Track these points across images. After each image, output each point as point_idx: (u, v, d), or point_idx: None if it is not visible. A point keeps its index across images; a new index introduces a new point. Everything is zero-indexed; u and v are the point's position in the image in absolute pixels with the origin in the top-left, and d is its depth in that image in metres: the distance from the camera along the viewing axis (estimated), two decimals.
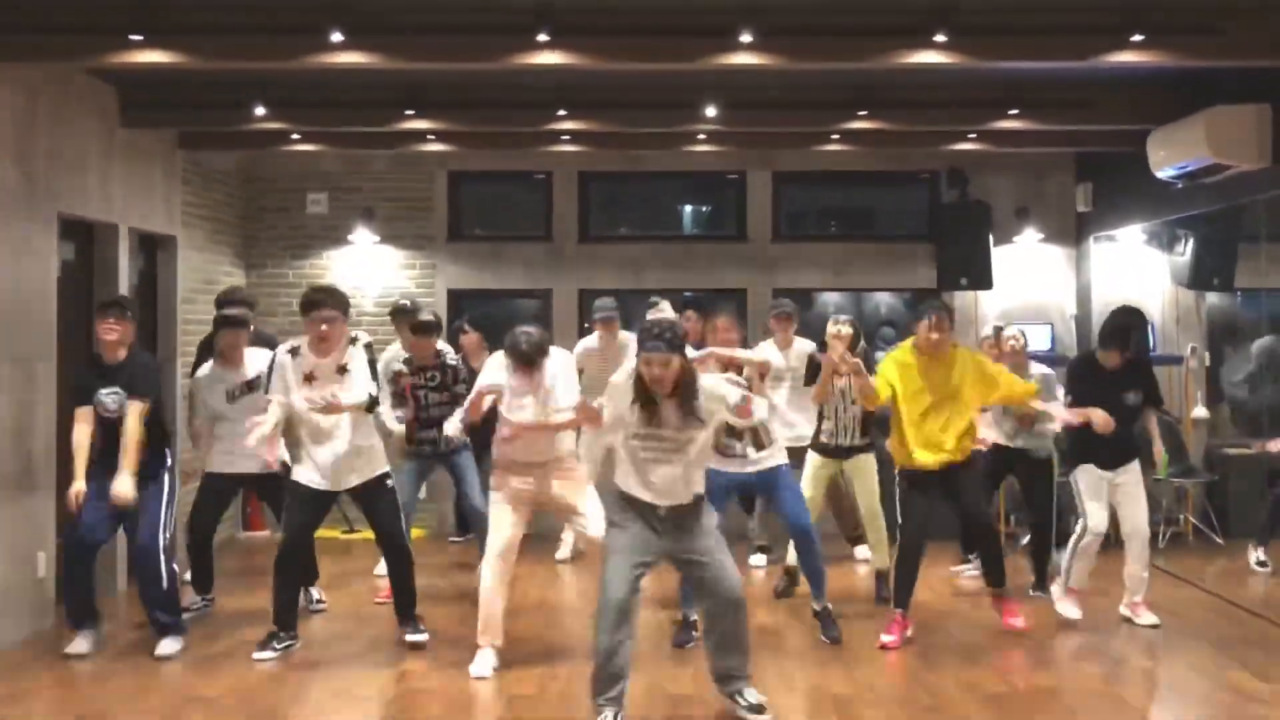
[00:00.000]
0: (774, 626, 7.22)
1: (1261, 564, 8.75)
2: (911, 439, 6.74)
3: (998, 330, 8.51)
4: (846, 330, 7.45)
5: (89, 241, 8.11)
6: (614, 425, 5.31)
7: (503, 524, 6.30)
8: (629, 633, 5.19)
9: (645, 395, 5.21)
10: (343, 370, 6.50)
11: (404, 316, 8.11)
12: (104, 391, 6.55)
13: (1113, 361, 7.19)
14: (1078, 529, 7.28)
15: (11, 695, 5.93)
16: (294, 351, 6.52)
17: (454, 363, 7.89)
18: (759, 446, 6.95)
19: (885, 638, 6.76)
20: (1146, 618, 7.23)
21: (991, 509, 9.07)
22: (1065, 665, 6.63)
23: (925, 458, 6.71)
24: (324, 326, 6.43)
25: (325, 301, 6.52)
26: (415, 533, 9.28)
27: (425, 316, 7.89)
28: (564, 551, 9.32)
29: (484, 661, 6.22)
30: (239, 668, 6.37)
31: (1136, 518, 7.20)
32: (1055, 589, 7.46)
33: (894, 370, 6.79)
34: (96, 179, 7.92)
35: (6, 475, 6.80)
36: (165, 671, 6.33)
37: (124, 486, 6.40)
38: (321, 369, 6.49)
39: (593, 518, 6.29)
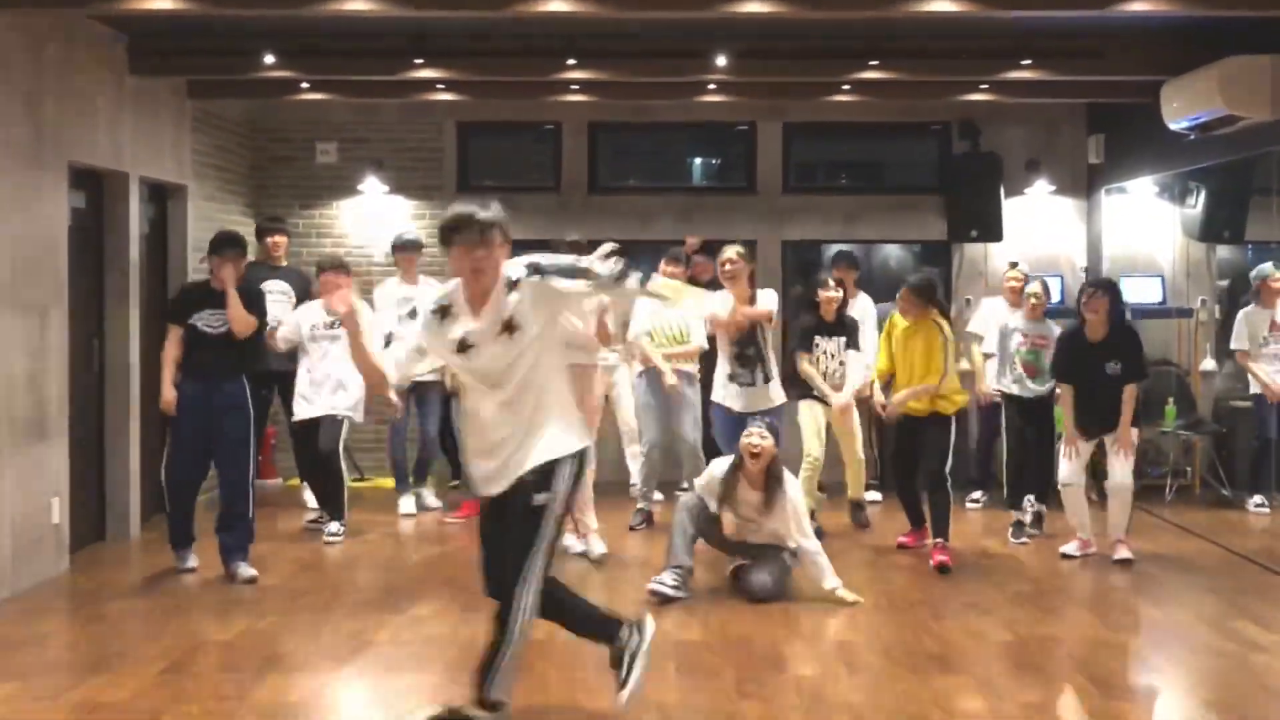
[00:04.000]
0: None
1: (1260, 505, 9.03)
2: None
3: (1012, 265, 9.31)
4: (836, 294, 8.09)
5: (99, 191, 8.11)
6: None
7: None
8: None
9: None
10: None
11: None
12: (208, 312, 7.06)
13: (1096, 335, 7.49)
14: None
15: (28, 638, 6.00)
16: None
17: None
18: (767, 378, 7.25)
19: (904, 539, 7.90)
20: (1120, 553, 7.45)
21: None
22: (1071, 615, 6.69)
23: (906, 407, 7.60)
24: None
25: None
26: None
27: None
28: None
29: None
30: (252, 612, 6.44)
31: (1116, 474, 7.45)
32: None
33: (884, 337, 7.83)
34: (106, 128, 7.92)
35: (20, 423, 6.85)
36: (179, 615, 6.40)
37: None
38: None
39: None
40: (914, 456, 7.68)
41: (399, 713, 4.85)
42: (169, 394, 7.10)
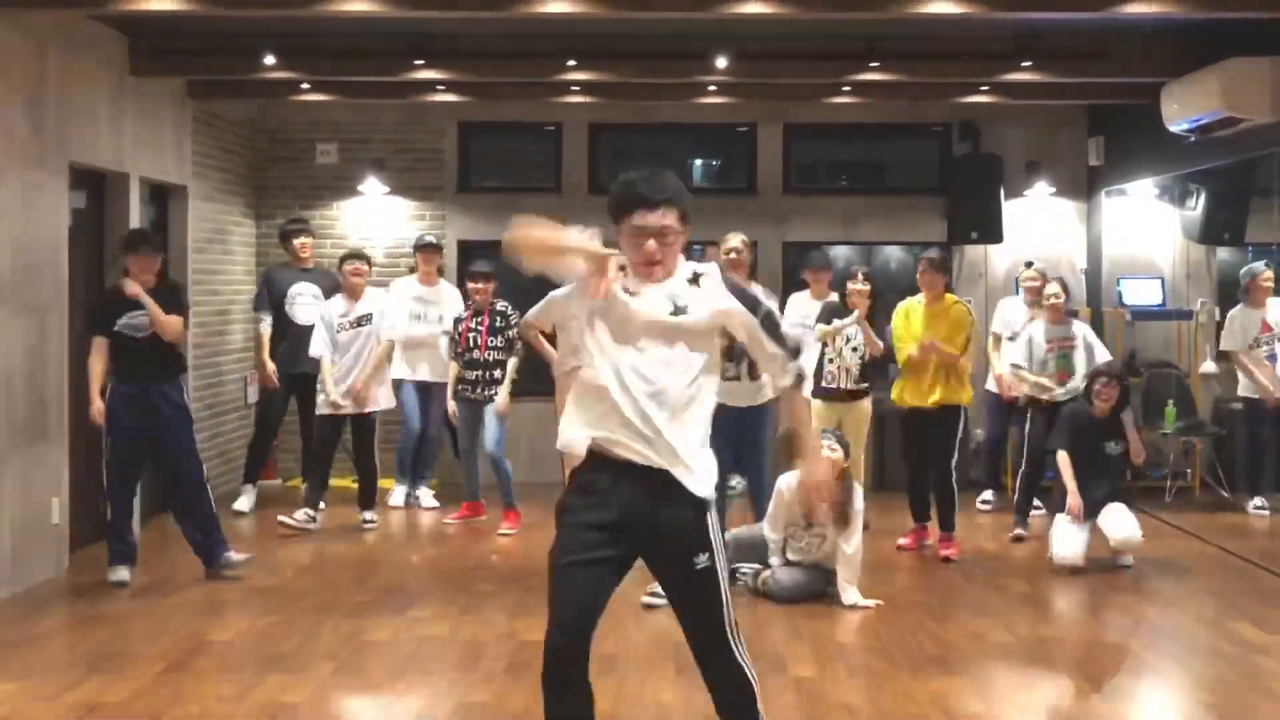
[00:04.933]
0: None
1: (1260, 508, 9.04)
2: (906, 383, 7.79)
3: (1028, 265, 9.35)
4: (865, 285, 7.97)
5: (100, 191, 8.12)
6: None
7: None
8: None
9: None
10: None
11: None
12: (131, 314, 6.86)
13: (1101, 413, 7.56)
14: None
15: (28, 638, 6.01)
16: None
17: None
18: (754, 375, 7.25)
19: (904, 539, 7.91)
20: (1123, 560, 7.47)
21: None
22: (1070, 616, 6.70)
23: (917, 401, 7.72)
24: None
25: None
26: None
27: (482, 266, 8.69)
28: None
29: None
30: (251, 612, 6.44)
31: (1125, 532, 7.35)
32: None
33: (900, 316, 7.84)
34: (107, 128, 7.92)
35: (20, 423, 6.86)
36: (178, 615, 6.40)
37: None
38: None
39: None
40: (922, 450, 7.76)
41: (398, 713, 4.85)
42: (98, 404, 6.86)
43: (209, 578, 7.06)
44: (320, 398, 8.48)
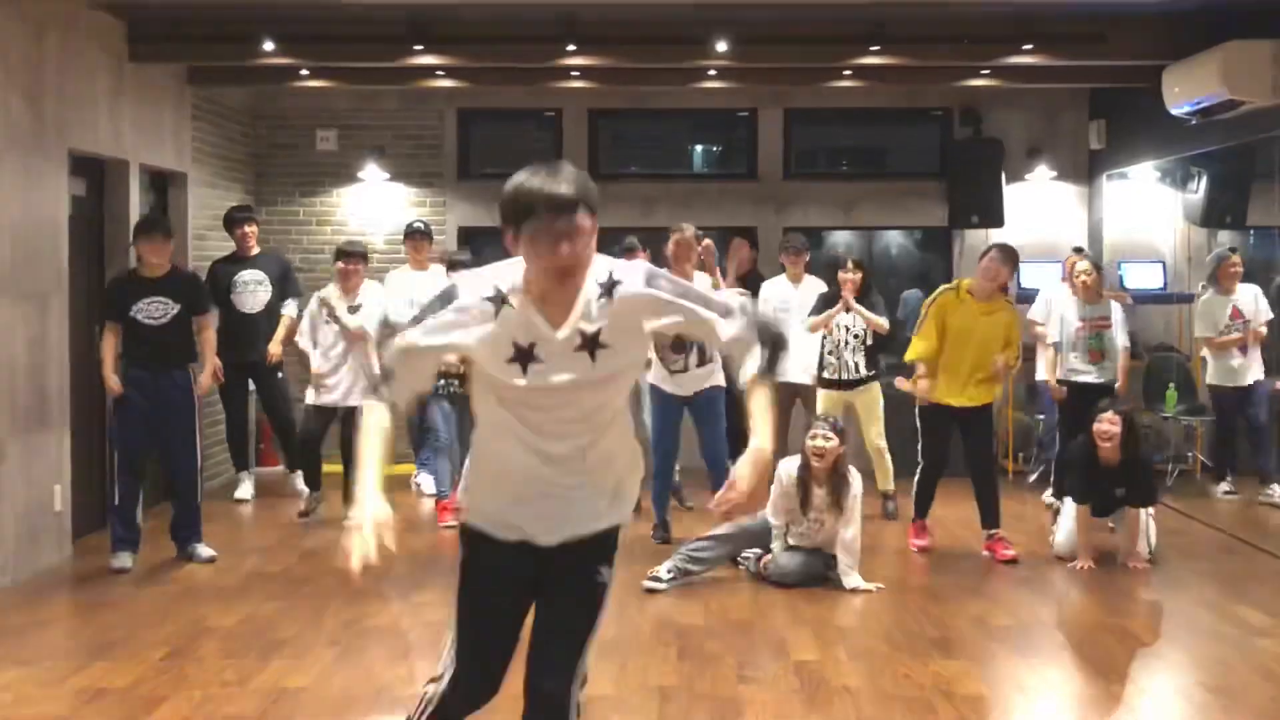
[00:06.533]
0: None
1: (1228, 492, 8.96)
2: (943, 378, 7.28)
3: (1078, 250, 9.07)
4: (855, 274, 8.00)
5: (100, 178, 8.11)
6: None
7: None
8: None
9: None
10: None
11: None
12: (147, 300, 6.97)
13: (1110, 460, 7.03)
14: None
15: (32, 624, 6.03)
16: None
17: None
18: (702, 361, 7.22)
19: (916, 542, 7.49)
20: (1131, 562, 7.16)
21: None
22: (1071, 600, 6.70)
23: (951, 397, 7.27)
24: None
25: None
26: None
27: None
28: None
29: None
30: (253, 598, 6.46)
31: (1133, 530, 7.14)
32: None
33: (939, 308, 7.30)
34: (106, 115, 7.91)
35: (22, 411, 6.86)
36: (181, 601, 6.42)
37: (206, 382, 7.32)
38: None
39: None
40: (948, 446, 7.40)
41: (400, 697, 4.86)
42: (112, 379, 7.00)
43: (178, 559, 7.19)
44: (310, 391, 8.38)
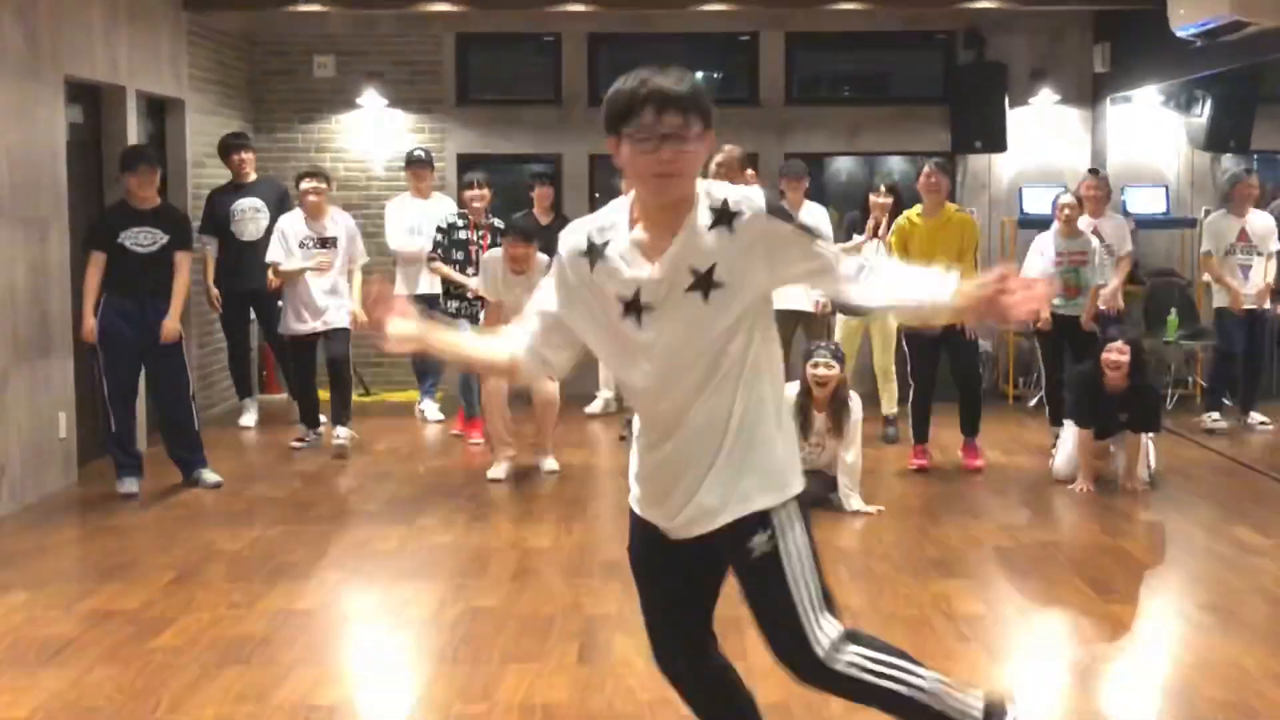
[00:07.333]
0: None
1: (1216, 421, 8.88)
2: None
3: (1094, 171, 9.04)
4: (888, 199, 8.05)
5: (96, 105, 8.05)
6: None
7: None
8: None
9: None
10: None
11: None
12: (136, 229, 6.91)
13: (1115, 387, 7.01)
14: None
15: (39, 549, 6.08)
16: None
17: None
18: None
19: (916, 461, 7.61)
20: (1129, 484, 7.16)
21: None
22: (1070, 521, 6.75)
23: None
24: None
25: None
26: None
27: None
28: (595, 406, 9.49)
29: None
30: (260, 523, 6.51)
31: (1133, 453, 7.12)
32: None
33: (899, 237, 7.49)
34: (102, 41, 7.84)
35: (24, 338, 6.87)
36: (188, 526, 6.47)
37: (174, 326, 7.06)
38: None
39: None
40: (935, 369, 7.62)
41: (407, 618, 4.92)
42: (90, 322, 6.91)
43: (184, 484, 7.22)
44: (289, 321, 8.23)
